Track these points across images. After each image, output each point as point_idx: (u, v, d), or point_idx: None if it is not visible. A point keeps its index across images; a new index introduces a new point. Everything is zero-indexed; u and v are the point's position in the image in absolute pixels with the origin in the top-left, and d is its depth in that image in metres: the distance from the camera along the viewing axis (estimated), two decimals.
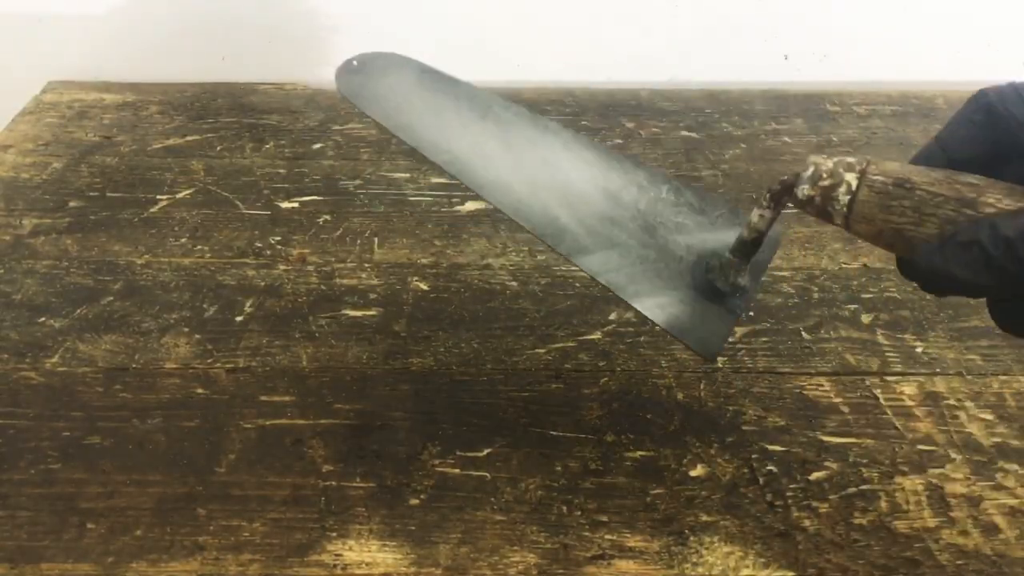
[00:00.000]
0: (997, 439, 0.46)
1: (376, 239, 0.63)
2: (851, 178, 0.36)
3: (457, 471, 0.44)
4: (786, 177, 0.39)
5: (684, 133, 0.78)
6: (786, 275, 0.59)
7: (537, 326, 0.54)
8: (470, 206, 0.67)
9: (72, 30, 0.87)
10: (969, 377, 0.50)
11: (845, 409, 0.48)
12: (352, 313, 0.55)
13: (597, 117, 0.80)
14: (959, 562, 0.40)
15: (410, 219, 0.65)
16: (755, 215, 0.40)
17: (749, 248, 0.41)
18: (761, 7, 0.87)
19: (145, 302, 0.56)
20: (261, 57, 0.88)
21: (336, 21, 0.88)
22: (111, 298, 0.56)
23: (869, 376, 0.51)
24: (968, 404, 0.49)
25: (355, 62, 0.45)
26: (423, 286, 0.58)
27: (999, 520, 0.42)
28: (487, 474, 0.44)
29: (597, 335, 0.54)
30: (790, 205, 0.39)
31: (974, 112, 0.37)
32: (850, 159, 0.37)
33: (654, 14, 0.87)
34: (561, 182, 0.45)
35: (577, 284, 0.58)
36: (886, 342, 0.53)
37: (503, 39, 0.88)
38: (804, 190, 0.37)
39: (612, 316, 0.55)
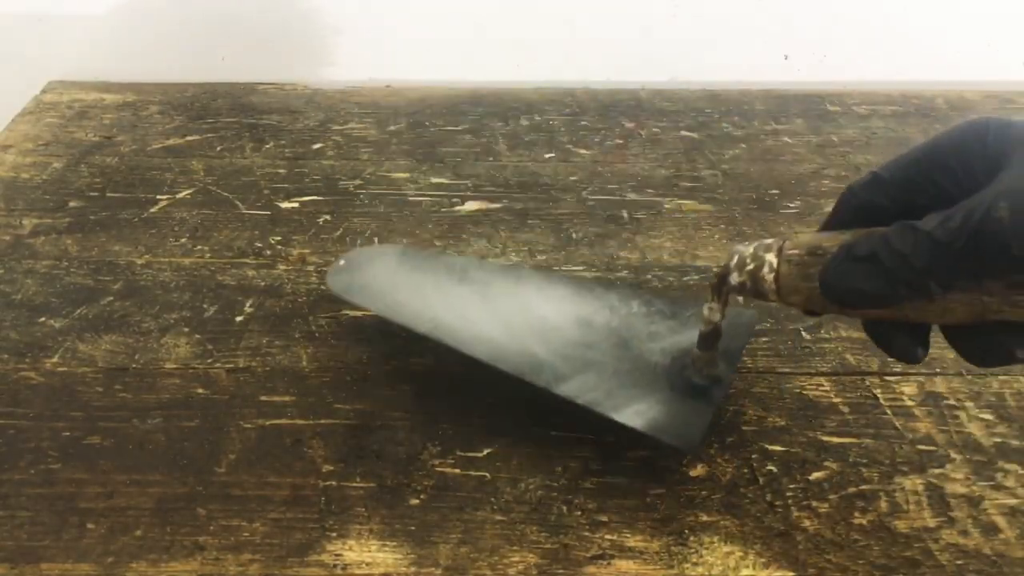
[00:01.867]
0: (997, 439, 0.46)
1: (376, 239, 0.63)
2: (771, 258, 0.40)
3: (457, 471, 0.44)
4: (718, 269, 0.42)
5: (684, 133, 0.78)
6: None
7: None
8: (470, 206, 0.67)
9: (72, 30, 0.87)
10: (969, 377, 0.50)
11: (845, 409, 0.48)
12: (352, 313, 0.55)
13: (597, 117, 0.80)
14: (959, 562, 0.40)
15: (410, 219, 0.65)
16: (705, 309, 0.44)
17: (711, 340, 0.45)
18: (761, 7, 0.87)
19: (145, 302, 0.56)
20: (261, 57, 0.88)
21: (336, 21, 0.88)
22: (111, 298, 0.56)
23: (869, 376, 0.51)
24: (968, 404, 0.49)
25: (342, 261, 0.50)
26: None
27: (999, 520, 0.42)
28: (487, 474, 0.44)
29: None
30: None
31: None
32: (768, 241, 0.41)
33: (654, 14, 0.87)
34: (536, 321, 0.49)
35: None
36: None
37: (503, 39, 0.88)
38: (734, 277, 0.41)
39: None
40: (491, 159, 0.73)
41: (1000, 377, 0.50)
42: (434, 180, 0.70)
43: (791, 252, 0.39)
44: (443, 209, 0.66)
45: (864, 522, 0.42)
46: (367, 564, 0.40)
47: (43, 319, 0.54)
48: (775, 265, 0.40)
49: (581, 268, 0.60)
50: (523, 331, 0.48)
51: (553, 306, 0.49)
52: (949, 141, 0.38)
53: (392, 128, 0.78)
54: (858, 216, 0.40)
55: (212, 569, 0.39)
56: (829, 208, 0.44)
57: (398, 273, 0.50)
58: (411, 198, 0.68)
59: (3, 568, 0.39)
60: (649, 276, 0.59)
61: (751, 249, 0.41)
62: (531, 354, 0.47)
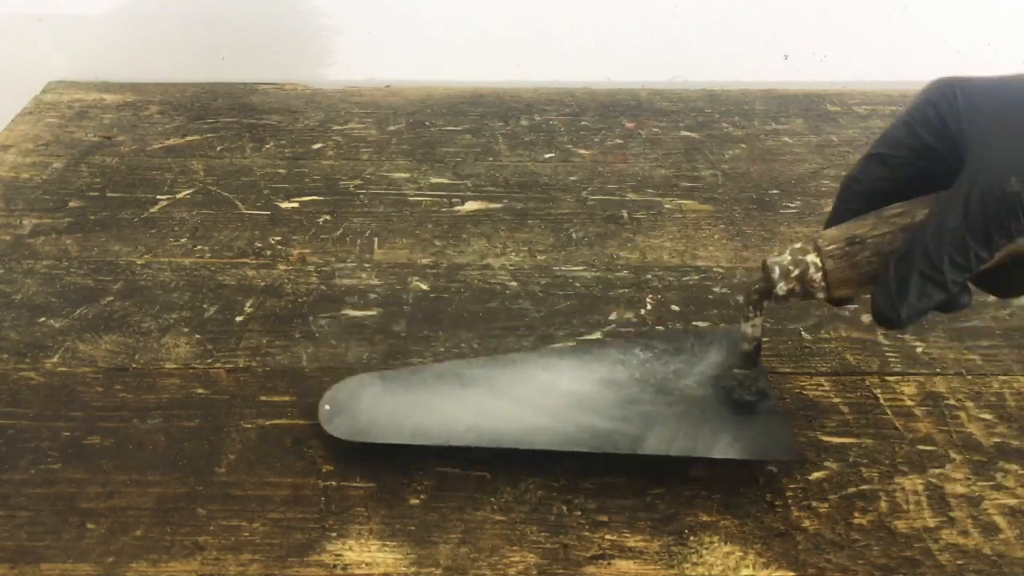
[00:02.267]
0: (997, 439, 0.46)
1: (376, 239, 0.63)
2: (812, 259, 0.41)
3: (457, 471, 0.44)
4: (757, 285, 0.43)
5: (684, 133, 0.78)
6: None
7: (537, 326, 0.54)
8: (470, 206, 0.67)
9: (72, 30, 0.87)
10: (969, 377, 0.50)
11: (845, 409, 0.48)
12: (352, 313, 0.55)
13: (597, 117, 0.80)
14: (959, 562, 0.40)
15: (410, 219, 0.65)
16: (747, 327, 0.44)
17: (755, 356, 0.45)
18: (761, 7, 0.87)
19: (145, 302, 0.56)
20: (261, 57, 0.88)
21: (336, 21, 0.88)
22: (111, 298, 0.56)
23: (869, 376, 0.51)
24: (968, 404, 0.49)
25: (327, 406, 0.46)
26: (423, 286, 0.58)
27: (999, 520, 0.42)
28: (487, 474, 0.44)
29: (597, 335, 0.54)
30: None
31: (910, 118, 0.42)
32: (796, 246, 0.42)
33: (654, 14, 0.87)
34: (567, 396, 0.47)
35: (577, 284, 0.58)
36: (886, 342, 0.53)
37: (503, 39, 0.88)
38: (782, 288, 0.42)
39: (612, 316, 0.55)
40: (491, 159, 0.73)
41: (1000, 377, 0.50)
42: (434, 180, 0.70)
43: (830, 248, 0.41)
44: (443, 209, 0.66)
45: (864, 522, 0.42)
46: (367, 564, 0.40)
47: (43, 319, 0.54)
48: (820, 264, 0.41)
49: (581, 268, 0.60)
50: (563, 410, 0.46)
51: (569, 378, 0.48)
52: (927, 102, 0.41)
53: (392, 128, 0.78)
54: (868, 201, 0.42)
55: (212, 569, 0.39)
56: (829, 207, 0.44)
57: (394, 398, 0.47)
58: (411, 198, 0.68)
59: (3, 568, 0.39)
60: (649, 276, 0.59)
61: (788, 256, 0.42)
62: (590, 427, 0.45)
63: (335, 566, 0.40)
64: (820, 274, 0.41)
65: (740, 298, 0.44)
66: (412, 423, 0.45)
